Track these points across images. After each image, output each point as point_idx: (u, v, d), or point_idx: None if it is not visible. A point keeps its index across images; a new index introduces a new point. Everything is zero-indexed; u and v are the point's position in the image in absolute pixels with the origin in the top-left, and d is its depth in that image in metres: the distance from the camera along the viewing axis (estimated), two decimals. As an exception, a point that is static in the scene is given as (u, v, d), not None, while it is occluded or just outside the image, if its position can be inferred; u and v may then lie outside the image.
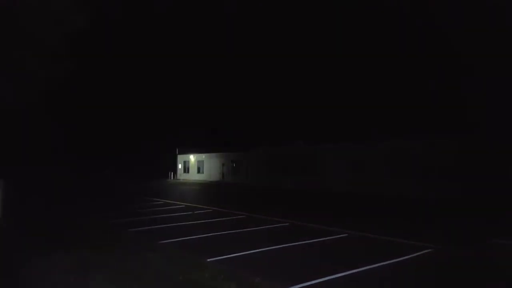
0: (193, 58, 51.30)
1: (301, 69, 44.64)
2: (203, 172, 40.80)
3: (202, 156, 41.13)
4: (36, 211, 14.05)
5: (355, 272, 6.34)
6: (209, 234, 9.65)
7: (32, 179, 32.76)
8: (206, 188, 29.67)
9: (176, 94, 50.59)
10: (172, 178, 44.42)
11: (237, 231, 10.25)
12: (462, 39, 24.77)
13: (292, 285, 5.59)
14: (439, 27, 27.27)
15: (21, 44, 9.02)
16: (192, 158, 42.86)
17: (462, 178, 18.52)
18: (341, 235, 9.49)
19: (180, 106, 47.80)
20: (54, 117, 42.40)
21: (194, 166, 42.53)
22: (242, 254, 7.57)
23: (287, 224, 11.34)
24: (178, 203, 17.26)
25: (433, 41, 28.94)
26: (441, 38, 27.76)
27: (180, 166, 45.27)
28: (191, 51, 52.37)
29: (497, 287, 5.70)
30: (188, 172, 43.55)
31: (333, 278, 6.02)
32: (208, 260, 6.95)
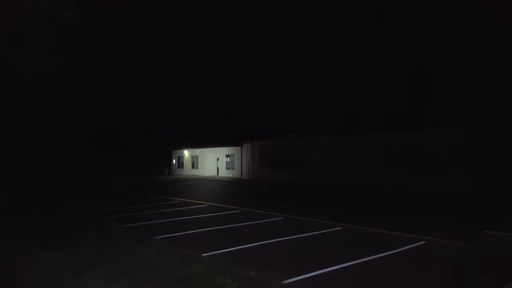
0: (187, 54, 50.87)
1: (296, 64, 44.53)
2: (197, 167, 40.77)
3: (196, 151, 41.07)
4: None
5: (351, 265, 6.40)
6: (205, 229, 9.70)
7: (26, 173, 32.38)
8: (202, 183, 29.65)
9: (171, 90, 50.20)
10: (166, 173, 44.35)
11: (233, 225, 10.31)
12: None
13: (287, 279, 5.63)
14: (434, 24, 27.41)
15: (13, 40, 8.89)
16: (186, 153, 42.80)
17: (462, 170, 18.68)
18: (335, 229, 9.57)
19: (174, 101, 47.47)
20: (46, 112, 41.84)
21: (189, 161, 42.48)
22: (238, 248, 7.61)
23: (281, 218, 11.42)
24: (175, 199, 17.26)
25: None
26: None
27: (174, 161, 45.22)
28: (186, 48, 51.95)
29: (493, 279, 5.77)
30: (182, 167, 43.49)
31: (328, 271, 6.08)
32: (204, 255, 6.99)
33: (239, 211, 13.10)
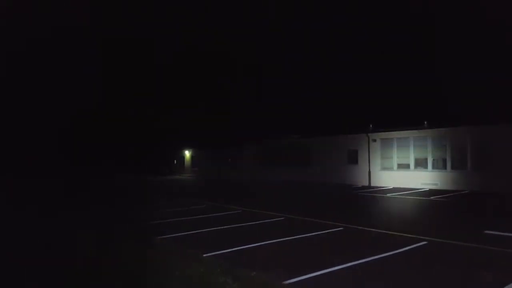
0: (187, 52, 50.80)
1: (294, 62, 44.49)
2: (198, 168, 40.76)
3: (197, 152, 41.07)
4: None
5: (351, 265, 6.39)
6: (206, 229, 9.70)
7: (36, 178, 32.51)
8: (202, 183, 29.65)
9: (170, 89, 50.16)
10: (167, 173, 44.33)
11: (233, 226, 10.30)
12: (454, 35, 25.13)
13: (289, 279, 5.63)
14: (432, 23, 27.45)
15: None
16: (187, 153, 42.82)
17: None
18: (336, 229, 9.55)
19: (175, 101, 47.45)
20: (49, 117, 41.95)
21: (189, 161, 42.50)
22: (239, 249, 7.61)
23: (282, 218, 11.40)
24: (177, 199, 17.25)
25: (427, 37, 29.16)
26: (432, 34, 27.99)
27: (175, 161, 45.25)
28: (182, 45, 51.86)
29: (492, 277, 5.76)
30: (183, 167, 43.51)
31: (330, 271, 6.07)
32: (205, 255, 6.99)
33: (240, 211, 13.10)
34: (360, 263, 6.44)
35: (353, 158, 23.57)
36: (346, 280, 5.79)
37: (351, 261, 6.48)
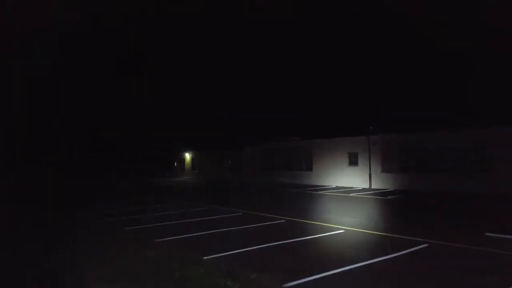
0: (187, 56, 50.98)
1: (295, 64, 44.57)
2: (198, 170, 40.74)
3: (198, 154, 41.05)
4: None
5: (352, 268, 6.36)
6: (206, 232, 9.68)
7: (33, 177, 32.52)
8: (202, 185, 29.62)
9: (171, 92, 50.28)
10: (168, 176, 44.32)
11: (233, 228, 10.28)
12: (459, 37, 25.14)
13: (289, 281, 5.60)
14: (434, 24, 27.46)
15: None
16: (187, 156, 42.81)
17: (457, 172, 18.76)
18: (338, 231, 9.52)
19: (175, 104, 47.56)
20: (51, 116, 41.96)
21: (190, 164, 42.48)
22: (239, 251, 7.58)
23: (283, 221, 11.38)
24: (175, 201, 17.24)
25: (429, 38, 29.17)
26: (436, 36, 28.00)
27: (175, 164, 45.24)
28: (184, 48, 52.02)
29: (493, 280, 5.73)
30: (183, 170, 43.48)
31: (330, 274, 6.03)
32: (205, 257, 6.97)
33: (240, 213, 13.07)
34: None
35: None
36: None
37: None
